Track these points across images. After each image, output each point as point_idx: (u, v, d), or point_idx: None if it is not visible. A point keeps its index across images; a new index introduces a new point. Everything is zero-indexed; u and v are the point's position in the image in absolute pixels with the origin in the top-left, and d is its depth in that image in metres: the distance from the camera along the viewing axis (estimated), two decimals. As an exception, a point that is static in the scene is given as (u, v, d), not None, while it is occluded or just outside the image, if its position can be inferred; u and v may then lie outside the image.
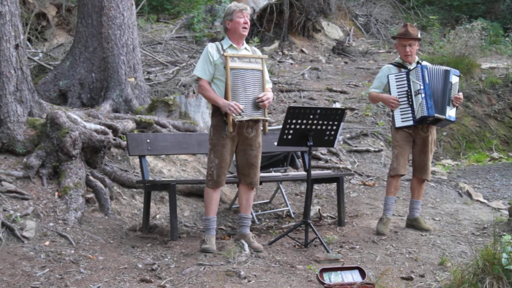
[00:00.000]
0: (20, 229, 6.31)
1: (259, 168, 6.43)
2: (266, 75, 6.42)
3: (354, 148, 10.55)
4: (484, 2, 20.96)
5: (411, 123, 6.99)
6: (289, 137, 6.45)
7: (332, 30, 18.15)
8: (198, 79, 6.34)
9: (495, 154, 12.32)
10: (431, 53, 15.98)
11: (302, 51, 16.63)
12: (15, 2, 7.71)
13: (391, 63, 7.41)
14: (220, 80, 6.21)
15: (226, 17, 6.37)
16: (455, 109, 7.17)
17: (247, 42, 6.57)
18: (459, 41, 14.54)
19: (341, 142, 10.63)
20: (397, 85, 7.04)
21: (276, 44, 16.42)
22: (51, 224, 6.59)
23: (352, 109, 12.04)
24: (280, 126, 6.60)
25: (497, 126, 13.42)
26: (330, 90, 13.19)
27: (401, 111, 7.02)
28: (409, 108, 6.99)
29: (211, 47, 6.29)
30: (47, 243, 6.23)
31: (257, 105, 6.21)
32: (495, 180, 10.18)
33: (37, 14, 14.64)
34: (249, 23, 6.35)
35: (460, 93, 7.20)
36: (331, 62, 16.18)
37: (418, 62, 7.24)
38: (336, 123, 6.52)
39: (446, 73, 7.10)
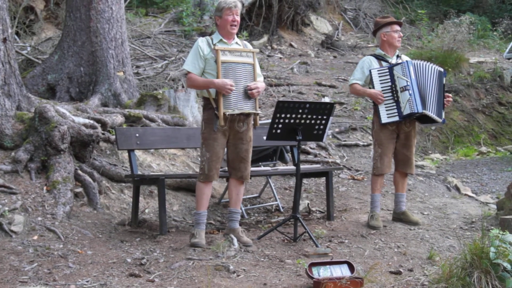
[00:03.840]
0: (8, 223, 6.29)
1: (250, 162, 6.43)
2: (258, 69, 6.43)
3: (343, 143, 10.57)
4: (472, -4, 21.04)
5: (397, 119, 6.99)
6: (278, 131, 6.46)
7: (321, 25, 18.15)
8: (187, 73, 6.32)
9: (483, 148, 12.38)
10: (419, 48, 16.03)
11: (291, 45, 16.63)
12: (2, -4, 7.67)
13: (371, 55, 7.36)
14: (211, 75, 6.20)
15: (216, 12, 6.39)
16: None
17: (237, 36, 6.57)
18: (447, 36, 14.58)
19: (330, 137, 10.64)
20: (380, 80, 7.03)
21: (265, 38, 16.41)
22: (39, 218, 6.57)
23: (341, 104, 12.05)
24: (269, 121, 6.60)
25: (485, 121, 13.48)
26: (319, 84, 13.20)
27: (386, 107, 7.01)
28: (394, 104, 6.98)
29: (201, 42, 6.29)
30: (35, 237, 6.21)
31: (248, 98, 6.21)
32: (483, 174, 10.23)
33: (25, 7, 14.54)
34: (238, 20, 6.34)
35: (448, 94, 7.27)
36: (320, 57, 16.18)
37: (398, 56, 7.25)
38: (325, 117, 6.53)
39: (440, 75, 7.12)
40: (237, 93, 6.18)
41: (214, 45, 6.25)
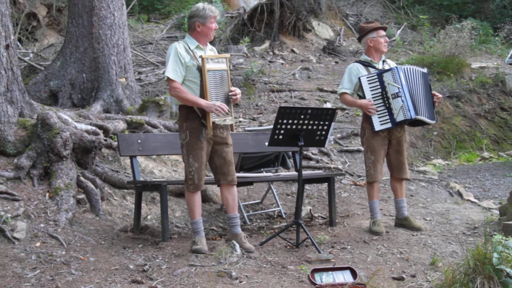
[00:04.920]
0: (11, 230, 6.29)
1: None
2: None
3: (345, 148, 10.56)
4: (474, 2, 21.03)
5: (389, 125, 6.99)
6: (280, 137, 6.46)
7: (323, 30, 18.16)
8: (169, 81, 6.17)
9: (486, 154, 12.36)
10: (421, 53, 16.02)
11: (292, 51, 16.63)
12: (5, 2, 7.69)
13: (357, 61, 7.32)
14: (193, 82, 6.15)
15: (197, 19, 6.20)
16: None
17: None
18: (449, 41, 14.57)
19: (332, 142, 10.64)
20: (370, 88, 7.02)
21: (266, 44, 16.42)
22: (42, 225, 6.57)
23: (343, 109, 12.04)
24: (271, 126, 6.60)
25: (488, 126, 13.46)
26: (321, 90, 13.19)
27: (378, 115, 7.00)
28: (386, 111, 6.98)
29: (179, 48, 6.16)
30: (38, 244, 6.21)
31: (228, 105, 6.17)
32: (486, 180, 10.21)
33: (27, 14, 14.59)
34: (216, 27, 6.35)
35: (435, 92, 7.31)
36: (321, 62, 16.18)
37: (383, 61, 7.25)
38: (327, 123, 6.53)
39: (425, 76, 7.14)
40: (220, 101, 6.16)
41: (192, 51, 6.19)
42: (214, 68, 6.14)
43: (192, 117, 6.15)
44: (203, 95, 6.08)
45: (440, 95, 7.33)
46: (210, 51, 6.36)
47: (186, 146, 6.19)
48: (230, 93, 6.20)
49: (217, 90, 6.16)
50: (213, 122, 6.07)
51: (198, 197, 6.30)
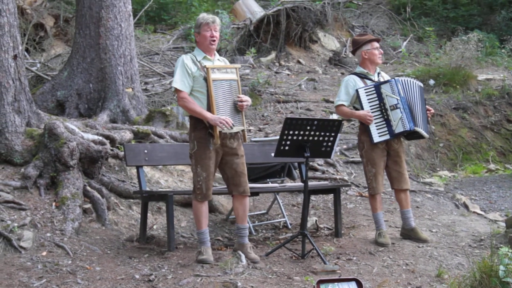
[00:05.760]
0: (18, 239, 6.31)
1: (247, 175, 6.43)
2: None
3: (351, 159, 10.55)
4: (480, 14, 21.03)
5: (388, 137, 7.01)
6: (286, 148, 6.47)
7: (329, 41, 18.19)
8: (177, 92, 6.22)
9: (492, 166, 12.34)
10: (427, 65, 16.02)
11: (299, 62, 16.66)
12: (13, 13, 7.74)
13: (353, 73, 7.33)
14: (200, 92, 6.19)
15: (195, 29, 6.39)
16: None
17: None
18: (455, 53, 14.57)
19: (338, 153, 10.64)
20: (368, 99, 7.03)
21: (273, 55, 16.46)
22: (48, 234, 6.59)
23: (349, 120, 12.04)
24: (277, 137, 6.61)
25: (494, 138, 13.45)
26: (327, 101, 13.21)
27: (376, 126, 7.02)
28: (384, 123, 7.00)
29: (186, 59, 6.24)
30: (44, 253, 6.23)
31: (237, 113, 6.20)
32: (492, 192, 10.19)
33: (35, 24, 14.67)
34: (217, 35, 6.30)
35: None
36: (327, 73, 16.21)
37: (378, 73, 7.27)
38: (333, 134, 6.54)
39: (421, 89, 7.19)
40: (229, 110, 6.19)
41: (199, 62, 6.25)
42: (220, 78, 6.17)
43: (200, 127, 6.19)
44: (210, 105, 6.11)
45: (433, 110, 7.34)
46: (218, 61, 6.39)
47: (194, 156, 6.21)
48: (236, 99, 6.22)
49: (225, 100, 6.19)
50: (220, 131, 6.09)
51: (205, 207, 6.30)
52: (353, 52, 7.41)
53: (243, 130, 6.34)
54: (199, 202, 6.25)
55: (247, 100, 6.30)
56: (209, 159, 6.17)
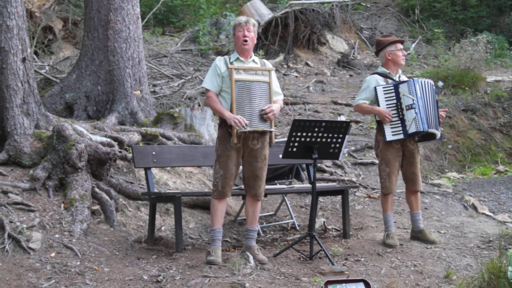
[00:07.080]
0: (26, 240, 6.33)
1: (264, 180, 6.43)
2: (275, 87, 6.44)
3: (359, 161, 10.55)
4: (489, 16, 20.99)
5: (401, 137, 7.00)
6: (294, 149, 6.47)
7: (337, 43, 18.20)
8: (206, 91, 6.39)
9: (501, 167, 12.30)
10: (436, 66, 16.00)
11: (307, 64, 16.67)
12: (22, 16, 7.78)
13: (375, 73, 7.36)
14: (227, 92, 6.26)
15: (232, 31, 6.55)
16: None
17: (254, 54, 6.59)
18: (464, 54, 14.55)
19: (346, 155, 10.64)
20: (385, 98, 7.03)
21: (281, 57, 16.48)
22: (57, 235, 6.61)
23: (357, 122, 12.05)
24: (285, 139, 6.61)
25: (503, 139, 13.40)
26: (335, 103, 13.21)
27: (391, 125, 7.02)
28: (399, 122, 6.99)
29: (219, 60, 6.36)
30: (53, 254, 6.25)
31: (263, 117, 6.24)
32: (501, 193, 10.16)
33: (43, 27, 14.73)
34: (250, 35, 6.36)
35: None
36: (336, 75, 16.21)
37: (399, 75, 7.26)
38: (341, 135, 6.54)
39: (435, 91, 7.17)
40: (252, 112, 6.21)
41: (231, 63, 6.30)
42: (245, 79, 6.24)
43: (223, 125, 6.30)
44: (231, 104, 6.20)
45: (444, 114, 7.32)
46: (253, 63, 6.42)
47: (216, 153, 6.32)
48: (261, 112, 6.22)
49: (250, 100, 6.21)
50: (237, 131, 6.13)
51: (221, 205, 6.32)
52: (377, 53, 7.42)
53: (270, 132, 6.35)
54: (215, 199, 6.29)
55: (272, 111, 6.27)
56: (227, 157, 6.22)
